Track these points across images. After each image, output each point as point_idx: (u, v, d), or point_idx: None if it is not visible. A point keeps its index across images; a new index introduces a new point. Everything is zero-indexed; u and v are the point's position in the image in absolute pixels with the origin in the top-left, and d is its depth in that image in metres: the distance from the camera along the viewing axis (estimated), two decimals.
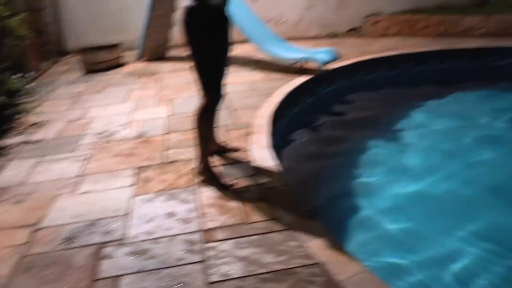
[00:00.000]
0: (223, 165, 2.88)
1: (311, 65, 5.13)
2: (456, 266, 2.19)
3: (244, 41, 5.54)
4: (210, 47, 2.36)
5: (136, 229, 2.22)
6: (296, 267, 1.86)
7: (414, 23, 7.36)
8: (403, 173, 3.24)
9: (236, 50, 6.87)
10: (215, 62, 2.43)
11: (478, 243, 2.34)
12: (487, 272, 2.13)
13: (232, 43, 2.58)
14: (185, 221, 2.26)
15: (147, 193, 2.59)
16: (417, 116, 4.36)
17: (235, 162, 2.90)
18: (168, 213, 2.36)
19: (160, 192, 2.59)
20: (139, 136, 3.57)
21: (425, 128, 4.07)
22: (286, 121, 4.07)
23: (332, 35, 7.61)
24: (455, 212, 2.70)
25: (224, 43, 2.48)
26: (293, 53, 5.26)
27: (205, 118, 2.56)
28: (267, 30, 5.73)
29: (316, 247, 1.97)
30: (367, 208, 2.74)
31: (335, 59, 5.09)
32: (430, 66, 5.85)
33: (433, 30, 7.25)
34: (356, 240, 2.40)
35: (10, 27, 4.41)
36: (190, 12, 2.32)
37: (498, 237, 2.41)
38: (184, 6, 2.35)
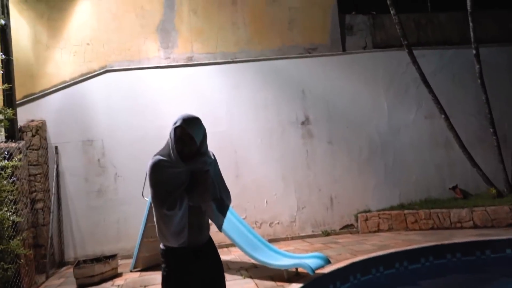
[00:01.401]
0: None
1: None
2: None
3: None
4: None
5: None
6: None
7: (404, 218, 7.63)
8: None
9: (230, 254, 7.08)
10: None
11: None
12: None
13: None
14: None
15: None
16: None
17: None
18: None
19: None
20: None
21: None
22: None
23: (326, 233, 7.80)
24: None
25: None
26: (282, 261, 5.29)
27: None
28: (255, 236, 5.86)
29: None
30: None
31: (324, 264, 5.10)
32: (425, 263, 5.82)
33: (423, 224, 7.48)
34: None
35: (9, 249, 4.57)
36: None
37: None
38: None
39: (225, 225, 5.48)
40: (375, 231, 7.75)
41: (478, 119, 8.35)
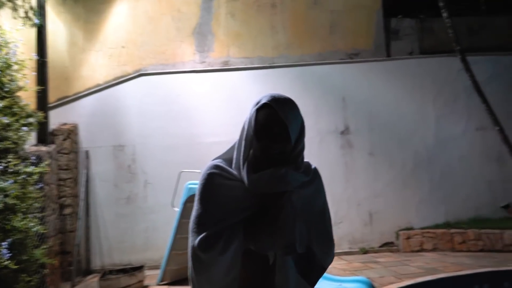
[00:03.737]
0: None
1: None
2: None
3: None
4: None
5: None
6: None
7: (450, 238, 7.04)
8: None
9: None
10: None
11: None
12: None
13: None
14: None
15: None
16: None
17: None
18: None
19: None
20: None
21: None
22: None
23: (364, 251, 7.29)
24: None
25: None
26: (320, 284, 4.85)
27: None
28: None
29: None
30: None
31: None
32: None
33: (472, 245, 6.87)
34: None
35: (33, 258, 4.36)
36: None
37: None
38: None
39: None
40: (417, 251, 7.18)
41: None
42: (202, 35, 7.65)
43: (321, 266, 1.52)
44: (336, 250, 7.12)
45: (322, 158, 7.44)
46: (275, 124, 1.38)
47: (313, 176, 1.55)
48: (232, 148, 1.52)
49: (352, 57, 7.77)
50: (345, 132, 7.56)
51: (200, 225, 1.41)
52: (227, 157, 1.52)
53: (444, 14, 6.91)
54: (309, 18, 7.78)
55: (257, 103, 1.43)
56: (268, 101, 1.40)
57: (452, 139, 7.68)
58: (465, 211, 7.54)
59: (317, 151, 7.45)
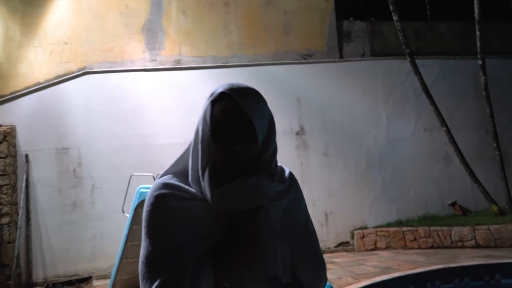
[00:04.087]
0: None
1: None
2: None
3: None
4: None
5: None
6: None
7: (402, 236, 7.19)
8: None
9: None
10: None
11: None
12: None
13: None
14: None
15: None
16: None
17: None
18: None
19: None
20: None
21: None
22: None
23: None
24: None
25: None
26: None
27: None
28: None
29: None
30: None
31: None
32: None
33: (422, 243, 7.05)
34: None
35: None
36: None
37: None
38: None
39: None
40: (372, 249, 7.27)
41: (479, 133, 8.02)
42: (152, 32, 7.33)
43: None
44: None
45: (278, 159, 7.35)
46: (236, 119, 1.08)
47: (289, 182, 1.22)
48: (183, 157, 1.17)
49: (306, 57, 7.77)
50: (300, 132, 7.53)
51: (152, 268, 1.05)
52: (177, 170, 1.16)
53: (395, 18, 7.07)
54: (262, 18, 7.69)
55: (212, 94, 1.13)
56: (226, 89, 1.10)
57: (402, 140, 7.88)
58: (415, 210, 7.76)
59: None
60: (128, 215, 5.83)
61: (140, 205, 5.79)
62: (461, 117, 8.02)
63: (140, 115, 6.99)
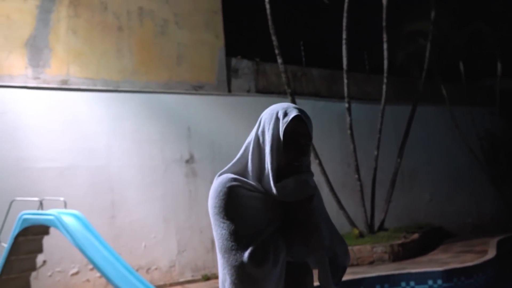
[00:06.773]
0: None
1: None
2: None
3: None
4: None
5: None
6: None
7: None
8: None
9: None
10: None
11: None
12: None
13: None
14: None
15: None
16: None
17: None
18: None
19: None
20: None
21: None
22: None
23: (206, 278, 7.43)
24: None
25: None
26: None
27: None
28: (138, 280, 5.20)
29: None
30: None
31: None
32: None
33: None
34: None
35: None
36: None
37: None
38: None
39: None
40: None
41: (342, 166, 9.24)
42: (36, 48, 6.86)
43: (343, 266, 1.53)
44: (179, 279, 7.12)
45: (167, 186, 7.42)
46: (303, 136, 1.42)
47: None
48: (239, 162, 1.47)
49: (197, 89, 8.10)
50: (189, 161, 7.72)
51: (239, 241, 1.33)
52: (235, 170, 1.45)
53: (280, 61, 7.91)
54: (156, 47, 7.82)
55: (284, 116, 1.43)
56: (298, 113, 1.42)
57: None
58: None
59: (162, 179, 7.40)
60: (6, 245, 5.27)
61: (22, 233, 5.28)
62: (328, 152, 9.17)
63: (17, 136, 6.40)
